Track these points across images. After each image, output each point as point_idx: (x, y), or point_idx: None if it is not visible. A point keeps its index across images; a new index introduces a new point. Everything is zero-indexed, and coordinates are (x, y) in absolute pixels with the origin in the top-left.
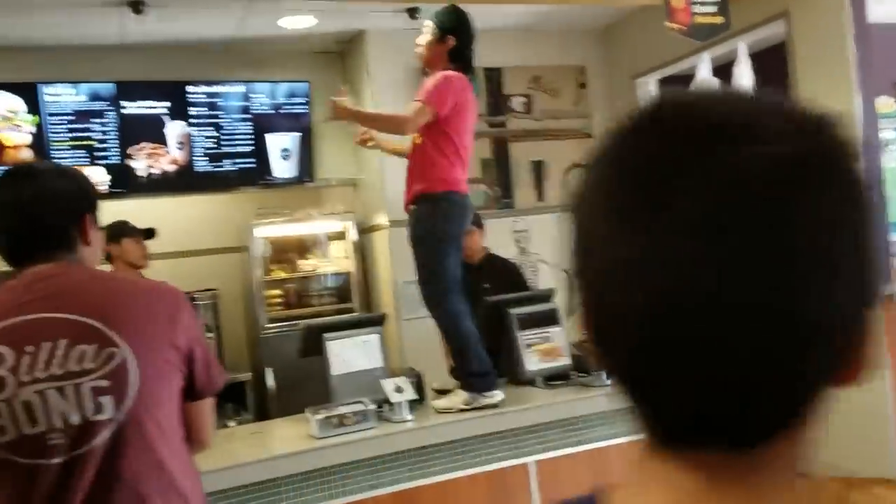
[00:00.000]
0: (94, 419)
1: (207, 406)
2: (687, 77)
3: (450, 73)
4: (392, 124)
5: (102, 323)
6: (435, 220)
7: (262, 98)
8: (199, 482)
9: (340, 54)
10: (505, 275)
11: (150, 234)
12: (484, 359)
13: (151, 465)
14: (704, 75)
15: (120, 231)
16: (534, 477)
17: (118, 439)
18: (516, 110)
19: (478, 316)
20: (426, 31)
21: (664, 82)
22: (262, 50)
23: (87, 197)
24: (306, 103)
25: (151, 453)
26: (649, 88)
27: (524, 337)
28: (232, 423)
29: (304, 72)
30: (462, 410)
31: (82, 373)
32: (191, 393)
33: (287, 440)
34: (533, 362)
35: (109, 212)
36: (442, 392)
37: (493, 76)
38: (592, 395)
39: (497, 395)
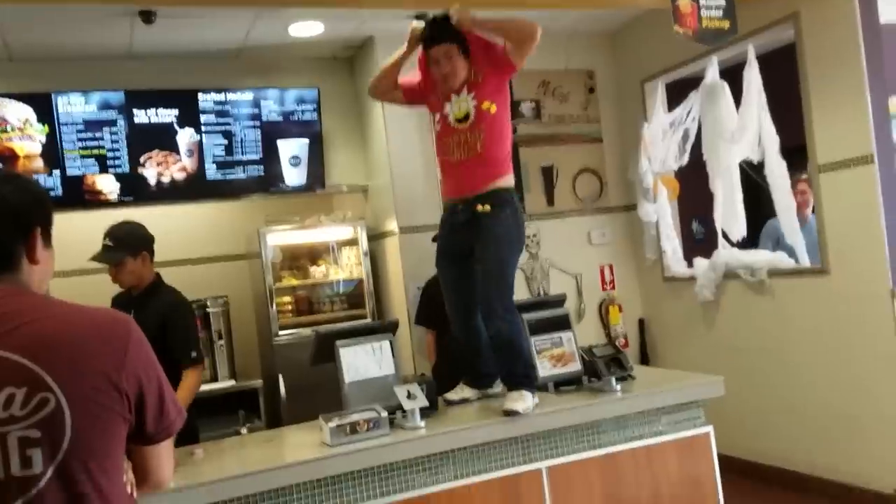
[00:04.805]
0: (20, 475)
1: (163, 449)
2: (696, 80)
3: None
4: (522, 25)
5: (35, 362)
6: (518, 225)
7: (272, 105)
8: None
9: (349, 60)
10: None
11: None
12: None
13: None
14: (713, 78)
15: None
16: (546, 482)
17: (46, 498)
18: (525, 115)
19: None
20: (451, 55)
21: (673, 86)
22: (272, 57)
23: (38, 209)
24: (316, 109)
25: None
26: (658, 92)
27: (535, 342)
28: (244, 431)
29: (313, 78)
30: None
31: (10, 420)
32: (141, 439)
33: (300, 448)
34: (544, 368)
35: (119, 220)
36: (455, 402)
37: None
38: (603, 401)
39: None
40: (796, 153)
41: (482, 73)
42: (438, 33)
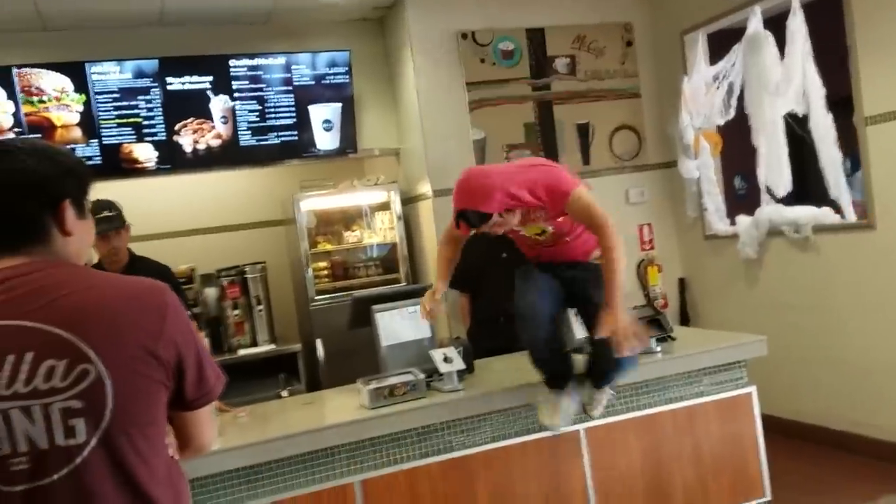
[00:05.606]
0: (64, 444)
1: (204, 414)
2: (738, 31)
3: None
4: (622, 263)
5: (74, 334)
6: None
7: (304, 69)
8: (185, 498)
9: (380, 21)
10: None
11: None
12: None
13: (127, 493)
14: (756, 29)
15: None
16: (585, 444)
17: (90, 466)
18: (560, 72)
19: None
20: (500, 223)
21: (714, 37)
22: (302, 20)
23: (68, 180)
24: (347, 73)
25: (128, 480)
26: (699, 44)
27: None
28: (285, 394)
29: (344, 41)
30: None
31: (51, 391)
32: (181, 405)
33: (339, 410)
34: (581, 330)
35: (157, 188)
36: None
37: (536, 37)
38: (643, 363)
39: None
40: (842, 105)
41: (548, 207)
42: (478, 223)
